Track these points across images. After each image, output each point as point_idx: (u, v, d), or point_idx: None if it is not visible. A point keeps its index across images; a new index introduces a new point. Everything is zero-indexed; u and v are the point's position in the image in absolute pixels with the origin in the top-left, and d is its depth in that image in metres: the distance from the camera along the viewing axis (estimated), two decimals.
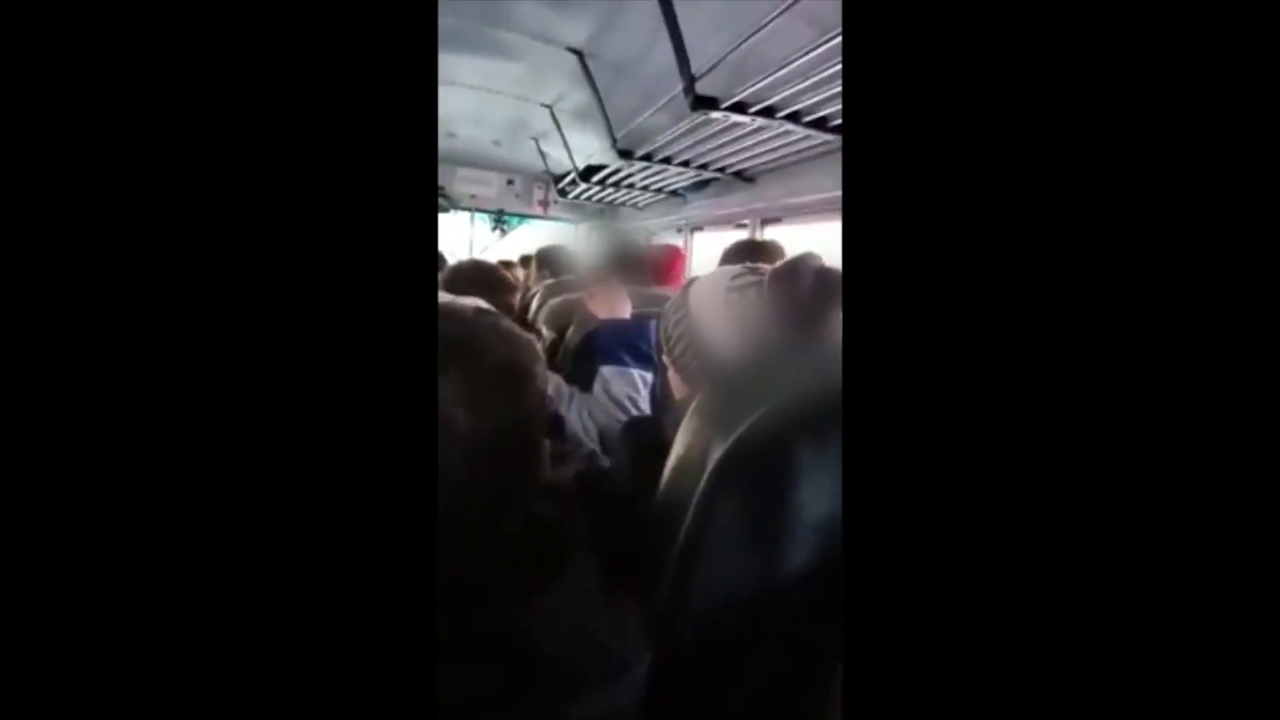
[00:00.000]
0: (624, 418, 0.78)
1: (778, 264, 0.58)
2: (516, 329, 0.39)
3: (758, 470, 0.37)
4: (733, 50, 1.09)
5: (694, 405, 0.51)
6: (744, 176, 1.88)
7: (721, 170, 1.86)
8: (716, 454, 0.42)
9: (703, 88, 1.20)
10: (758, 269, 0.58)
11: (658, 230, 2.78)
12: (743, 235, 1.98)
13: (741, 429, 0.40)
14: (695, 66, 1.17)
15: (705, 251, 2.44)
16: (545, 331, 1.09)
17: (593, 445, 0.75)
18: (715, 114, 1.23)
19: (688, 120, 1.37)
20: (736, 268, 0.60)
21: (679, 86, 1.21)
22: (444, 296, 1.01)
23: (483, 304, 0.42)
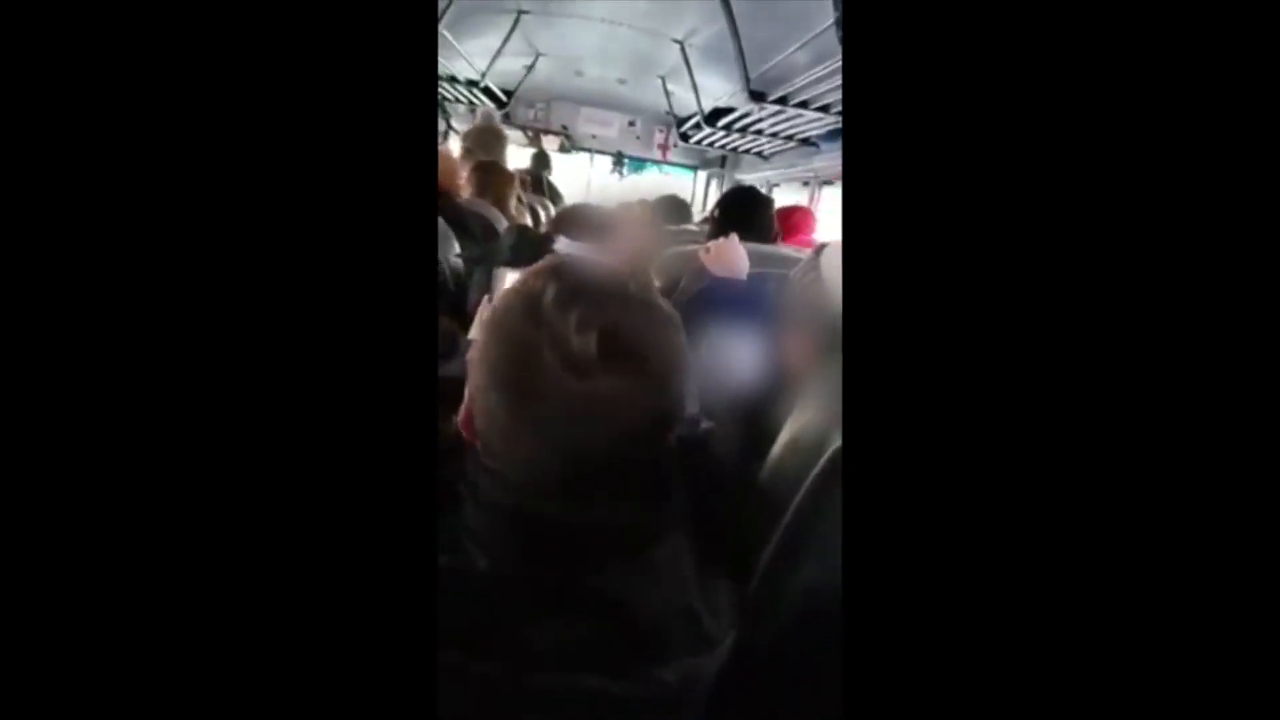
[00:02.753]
0: (730, 381, 0.76)
1: None
2: (659, 301, 0.37)
3: None
4: None
5: (814, 384, 0.47)
6: None
7: None
8: (834, 442, 0.38)
9: None
10: None
11: (781, 182, 2.61)
12: None
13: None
14: None
15: (834, 208, 2.26)
16: (656, 282, 1.08)
17: (694, 406, 0.73)
18: None
19: (835, 58, 1.22)
20: None
21: (830, 19, 1.08)
22: (562, 241, 1.02)
23: (590, 249, 0.40)
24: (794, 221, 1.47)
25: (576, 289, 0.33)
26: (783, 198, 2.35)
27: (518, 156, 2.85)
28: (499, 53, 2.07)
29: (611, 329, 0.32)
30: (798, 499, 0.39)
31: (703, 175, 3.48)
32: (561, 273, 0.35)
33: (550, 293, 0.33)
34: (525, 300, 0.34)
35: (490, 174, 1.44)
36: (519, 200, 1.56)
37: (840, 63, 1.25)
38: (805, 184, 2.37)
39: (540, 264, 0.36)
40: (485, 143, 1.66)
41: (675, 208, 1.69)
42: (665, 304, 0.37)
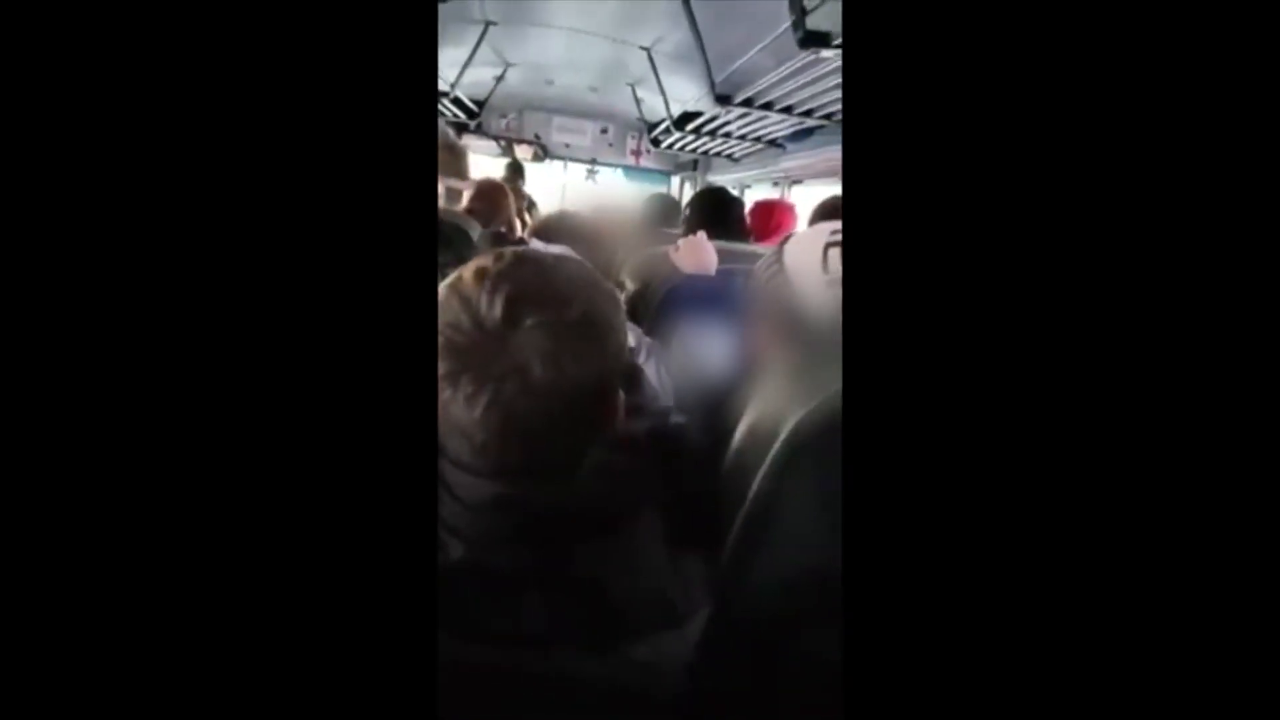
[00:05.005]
0: (701, 375, 0.77)
1: None
2: (599, 278, 0.38)
3: (831, 443, 0.35)
4: None
5: (773, 367, 0.49)
6: None
7: (828, 117, 1.72)
8: (791, 421, 0.40)
9: (814, 22, 1.09)
10: None
11: (752, 182, 2.65)
12: None
13: (820, 399, 0.38)
14: None
15: (804, 207, 2.30)
16: (629, 283, 1.09)
17: (668, 401, 0.75)
18: (826, 52, 1.12)
19: (794, 60, 1.26)
20: (837, 223, 0.56)
21: (787, 22, 1.11)
22: (534, 244, 1.03)
23: (567, 252, 0.41)
24: (775, 218, 1.50)
25: (492, 260, 0.35)
26: (754, 198, 2.38)
27: (490, 167, 2.85)
28: (468, 64, 2.07)
29: (520, 290, 0.34)
30: (758, 480, 0.40)
31: (676, 179, 3.52)
32: (488, 253, 0.37)
33: (470, 267, 0.35)
34: (452, 279, 0.36)
35: (493, 196, 1.45)
36: (517, 214, 1.56)
37: (799, 64, 1.28)
38: (775, 184, 2.41)
39: None
40: (440, 161, 1.65)
41: (666, 207, 1.69)
42: (598, 279, 0.38)
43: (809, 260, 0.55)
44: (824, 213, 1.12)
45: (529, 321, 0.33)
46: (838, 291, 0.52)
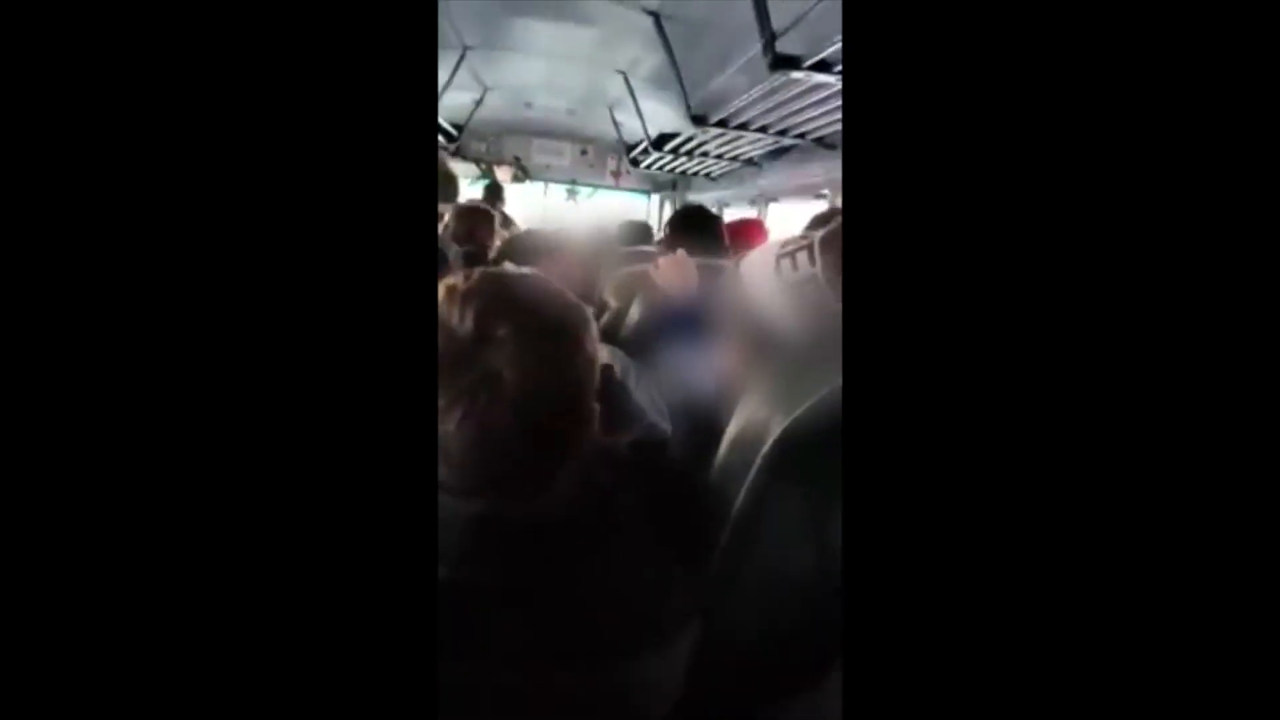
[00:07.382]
0: (684, 391, 0.77)
1: (828, 227, 0.54)
2: (565, 292, 0.39)
3: (814, 453, 0.35)
4: (817, 3, 1.01)
5: (754, 380, 0.49)
6: (825, 143, 1.77)
7: (801, 136, 1.76)
8: (774, 433, 0.40)
9: (783, 46, 1.13)
10: (808, 235, 0.55)
11: (730, 201, 2.70)
12: (822, 206, 1.88)
13: (800, 409, 0.38)
14: (776, 23, 1.10)
15: (781, 224, 2.34)
16: (611, 301, 1.09)
17: (651, 418, 0.75)
18: (797, 74, 1.16)
19: (766, 82, 1.29)
20: (790, 235, 0.57)
21: (758, 45, 1.14)
22: (507, 266, 1.04)
23: (536, 270, 0.42)
24: (747, 234, 1.53)
25: (460, 279, 0.36)
26: (732, 216, 2.42)
27: (470, 190, 2.86)
28: (446, 88, 2.09)
29: (489, 303, 0.34)
30: (743, 493, 0.40)
31: (656, 198, 3.57)
32: (456, 273, 0.37)
33: (441, 288, 0.36)
34: None
35: (473, 219, 1.47)
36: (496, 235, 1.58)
37: (771, 85, 1.32)
38: (752, 202, 2.45)
39: None
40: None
41: (639, 233, 1.73)
42: (564, 292, 0.39)
43: (762, 274, 0.56)
44: (817, 225, 1.15)
45: (499, 332, 0.34)
46: (793, 294, 0.53)
